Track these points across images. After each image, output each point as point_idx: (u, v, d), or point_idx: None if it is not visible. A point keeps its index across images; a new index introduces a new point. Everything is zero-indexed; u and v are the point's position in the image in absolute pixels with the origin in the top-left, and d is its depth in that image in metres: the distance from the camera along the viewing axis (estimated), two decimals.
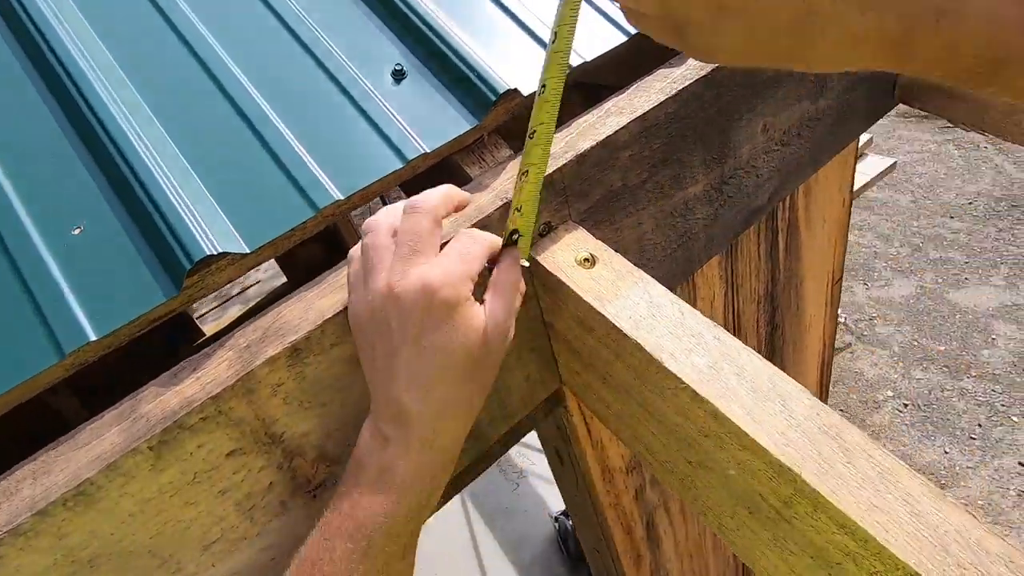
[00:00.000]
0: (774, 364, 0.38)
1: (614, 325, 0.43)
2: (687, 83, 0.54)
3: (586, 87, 0.79)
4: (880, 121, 2.95)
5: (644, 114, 0.51)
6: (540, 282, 0.51)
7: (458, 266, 0.37)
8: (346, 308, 0.41)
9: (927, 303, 3.32)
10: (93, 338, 0.38)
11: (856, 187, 2.77)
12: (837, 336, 2.79)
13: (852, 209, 1.09)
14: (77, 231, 0.42)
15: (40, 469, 0.36)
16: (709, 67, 0.55)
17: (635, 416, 0.50)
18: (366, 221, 0.39)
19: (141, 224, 0.42)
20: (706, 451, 0.42)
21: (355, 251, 0.40)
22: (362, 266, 0.38)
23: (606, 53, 0.55)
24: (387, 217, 0.39)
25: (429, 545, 2.58)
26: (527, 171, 0.41)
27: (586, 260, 0.48)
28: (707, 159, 0.61)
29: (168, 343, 0.78)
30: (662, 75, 0.56)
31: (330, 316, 0.41)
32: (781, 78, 0.63)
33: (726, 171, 0.64)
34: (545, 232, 0.50)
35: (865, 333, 3.27)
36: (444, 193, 0.39)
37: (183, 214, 0.41)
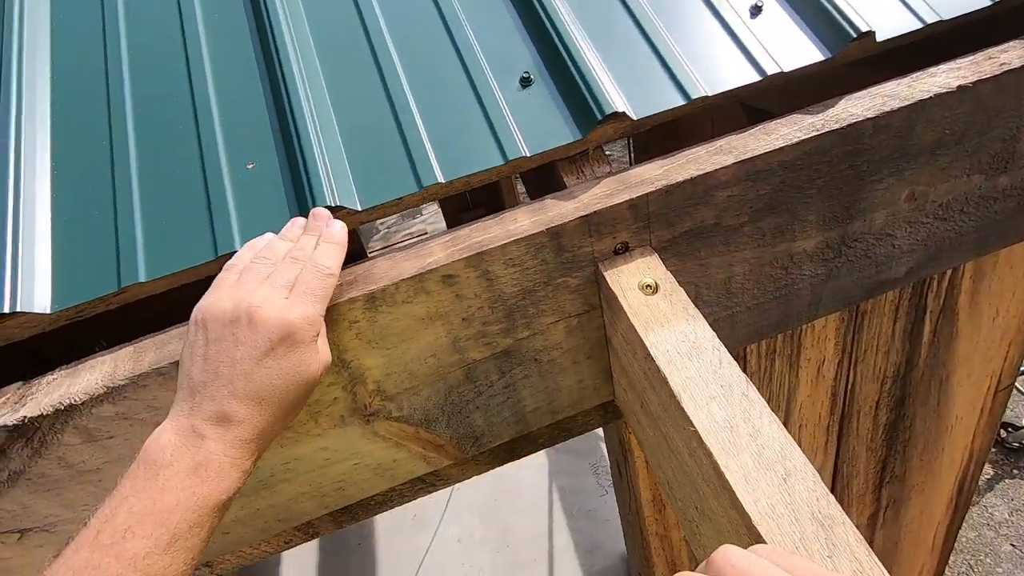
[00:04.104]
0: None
1: (650, 354, 0.45)
2: (814, 134, 0.51)
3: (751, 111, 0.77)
4: None
5: (752, 158, 0.50)
6: (604, 296, 0.53)
7: (318, 311, 0.42)
8: (420, 274, 0.48)
9: None
10: (239, 248, 0.50)
11: None
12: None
13: None
14: (251, 166, 0.54)
15: (180, 333, 0.48)
16: (846, 121, 0.52)
17: (661, 448, 0.51)
18: (267, 238, 0.45)
19: (292, 170, 0.53)
20: (707, 501, 0.42)
21: (242, 256, 0.44)
22: (240, 273, 0.43)
23: (801, 68, 0.54)
24: (283, 243, 0.45)
25: (509, 518, 2.68)
26: None
27: (648, 287, 0.49)
28: (826, 216, 0.57)
29: None
30: (793, 120, 0.54)
31: (407, 277, 0.48)
32: (946, 143, 0.56)
33: (850, 233, 0.59)
34: (620, 251, 0.52)
35: None
36: (340, 245, 0.45)
37: (320, 168, 0.51)
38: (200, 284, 0.49)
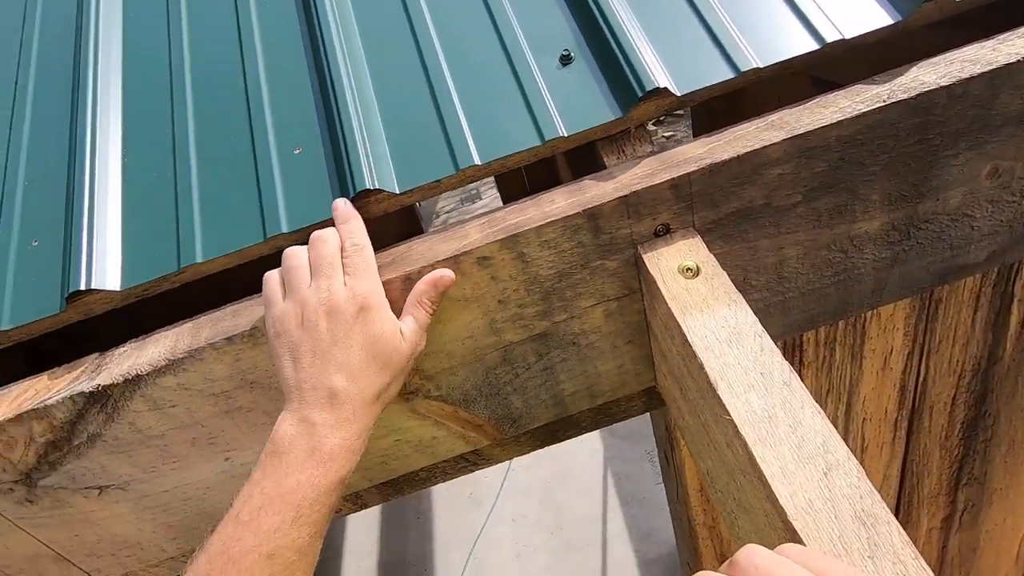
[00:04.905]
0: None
1: (687, 339, 0.43)
2: (878, 105, 0.47)
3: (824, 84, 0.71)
4: None
5: (805, 133, 0.47)
6: (643, 280, 0.52)
7: (372, 280, 0.46)
8: (456, 255, 0.48)
9: None
10: (285, 231, 0.52)
11: None
12: None
13: None
14: (297, 151, 0.56)
15: (233, 312, 0.51)
16: (916, 90, 0.48)
17: (700, 436, 0.49)
18: (285, 251, 0.48)
19: (335, 154, 0.54)
20: (744, 493, 0.41)
21: (272, 275, 0.48)
22: (282, 286, 0.47)
23: (866, 34, 0.50)
24: (303, 248, 0.48)
25: (563, 501, 2.69)
26: None
27: (688, 270, 0.47)
28: (892, 195, 0.53)
29: None
30: (854, 91, 0.50)
31: (443, 258, 0.48)
32: None
33: (920, 213, 0.55)
34: (661, 232, 0.50)
35: None
36: (353, 216, 0.48)
37: (360, 152, 0.52)
38: (247, 266, 0.52)
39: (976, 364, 0.80)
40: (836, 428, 0.81)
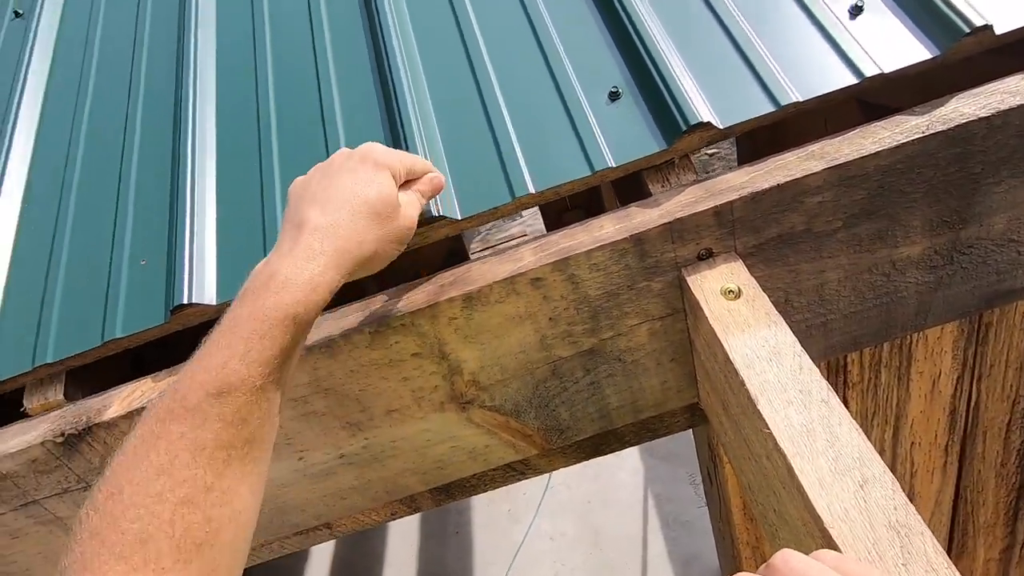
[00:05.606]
0: None
1: (729, 357, 0.46)
2: (916, 136, 0.49)
3: (867, 106, 0.73)
4: None
5: (845, 163, 0.50)
6: (687, 301, 0.55)
7: (397, 156, 0.48)
8: (511, 277, 0.52)
9: None
10: None
11: None
12: None
13: None
14: None
15: (314, 324, 0.57)
16: (955, 122, 0.49)
17: (742, 451, 0.51)
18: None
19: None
20: (784, 504, 0.43)
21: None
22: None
23: (904, 69, 0.52)
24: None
25: (602, 521, 2.67)
26: None
27: (730, 292, 0.50)
28: (934, 221, 0.54)
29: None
30: (894, 122, 0.52)
31: (500, 279, 0.53)
32: None
33: (963, 239, 0.56)
34: (704, 256, 0.54)
35: None
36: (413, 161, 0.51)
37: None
38: None
39: None
40: (883, 451, 0.82)
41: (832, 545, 0.35)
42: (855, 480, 0.37)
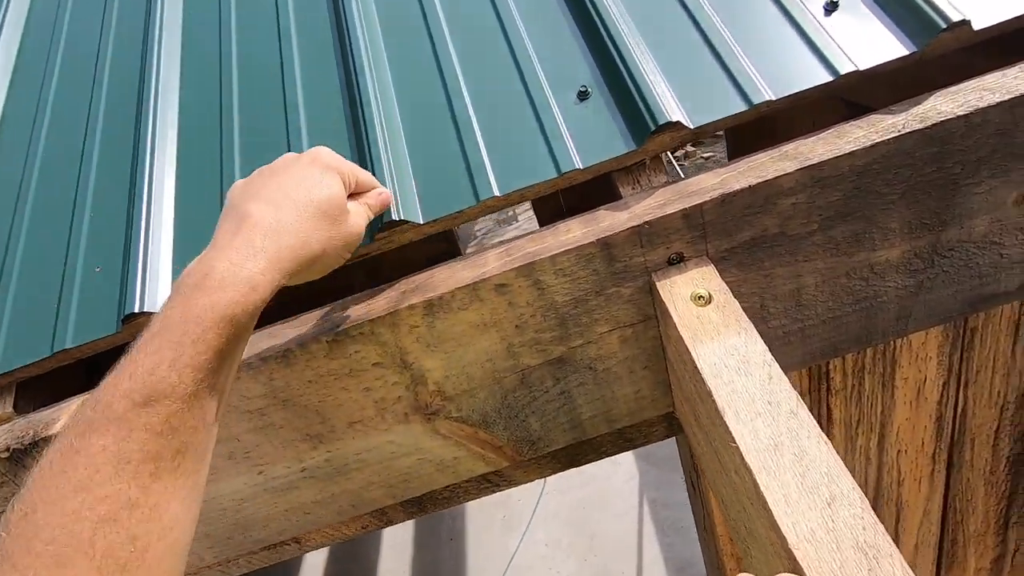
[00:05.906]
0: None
1: (696, 366, 0.44)
2: (892, 136, 0.48)
3: (853, 106, 0.71)
4: None
5: (819, 164, 0.48)
6: (658, 307, 0.53)
7: (347, 163, 0.46)
8: (475, 283, 0.50)
9: None
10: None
11: None
12: None
13: None
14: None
15: (269, 333, 0.55)
16: (932, 120, 0.48)
17: (713, 463, 0.49)
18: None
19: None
20: (752, 521, 0.41)
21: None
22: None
23: (881, 65, 0.51)
24: None
25: (597, 527, 2.65)
26: None
27: (700, 298, 0.48)
28: (913, 223, 0.52)
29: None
30: (870, 121, 0.50)
31: (463, 285, 0.51)
32: None
33: (943, 241, 0.54)
34: (675, 261, 0.52)
35: None
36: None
37: (388, 184, 0.55)
38: (282, 292, 0.55)
39: (1021, 395, 0.76)
40: (869, 460, 0.79)
41: (797, 567, 0.33)
42: (823, 497, 0.35)
